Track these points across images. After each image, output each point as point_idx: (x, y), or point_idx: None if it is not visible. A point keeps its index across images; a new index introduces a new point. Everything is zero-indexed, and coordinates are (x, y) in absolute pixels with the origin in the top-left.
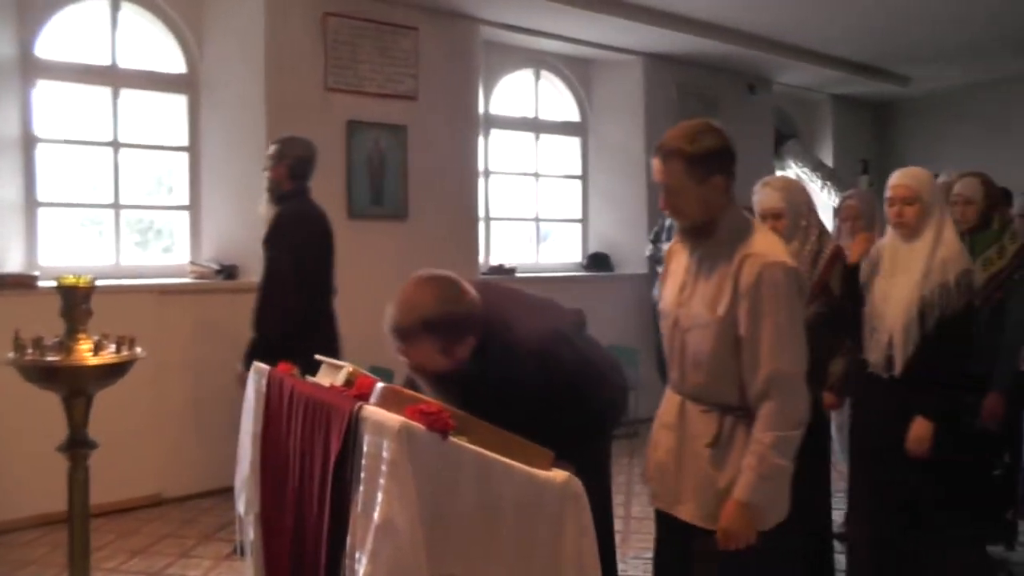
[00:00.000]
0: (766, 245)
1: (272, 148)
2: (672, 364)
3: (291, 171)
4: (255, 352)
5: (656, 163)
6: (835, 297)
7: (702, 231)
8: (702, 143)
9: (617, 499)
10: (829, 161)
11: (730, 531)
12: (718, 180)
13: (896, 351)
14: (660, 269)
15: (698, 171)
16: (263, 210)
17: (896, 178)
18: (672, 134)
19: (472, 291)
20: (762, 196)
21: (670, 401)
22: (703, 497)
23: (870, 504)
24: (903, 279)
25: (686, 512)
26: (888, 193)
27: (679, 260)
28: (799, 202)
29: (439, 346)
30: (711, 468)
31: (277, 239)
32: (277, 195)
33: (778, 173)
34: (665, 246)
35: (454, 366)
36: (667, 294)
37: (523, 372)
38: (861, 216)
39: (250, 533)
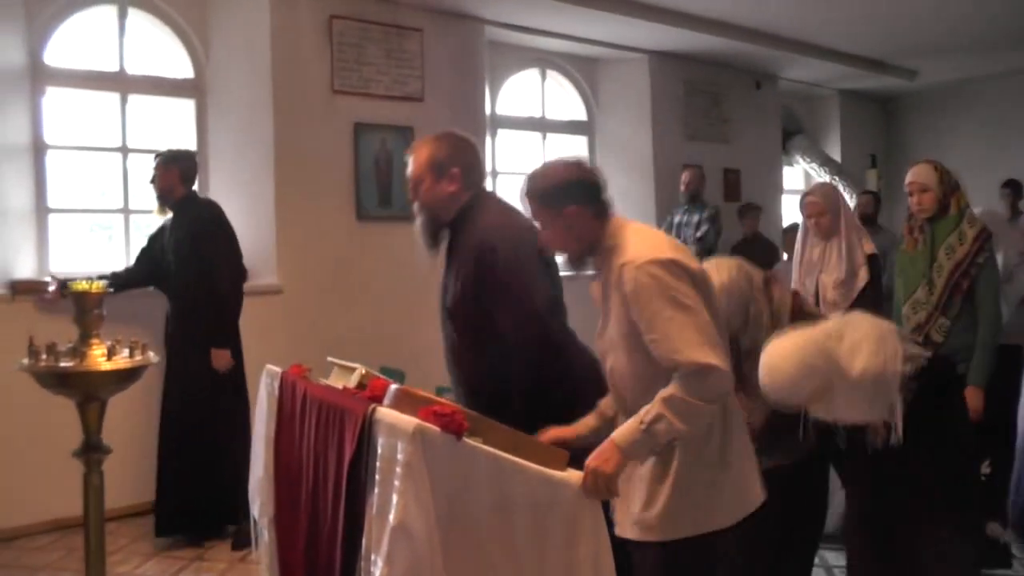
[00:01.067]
0: (635, 248)
1: (157, 160)
2: (612, 392)
3: (182, 176)
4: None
5: (524, 207)
6: (811, 312)
7: (587, 259)
8: (546, 180)
9: None
10: (837, 156)
11: (591, 468)
12: (573, 209)
13: None
14: None
15: (551, 205)
16: (157, 214)
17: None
18: (527, 178)
19: (482, 165)
20: None
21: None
22: (636, 508)
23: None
24: None
25: (620, 528)
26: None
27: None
28: (742, 293)
29: (433, 161)
30: (654, 483)
31: (219, 234)
32: (171, 201)
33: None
34: None
35: (439, 195)
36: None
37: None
38: (826, 212)
39: (265, 536)
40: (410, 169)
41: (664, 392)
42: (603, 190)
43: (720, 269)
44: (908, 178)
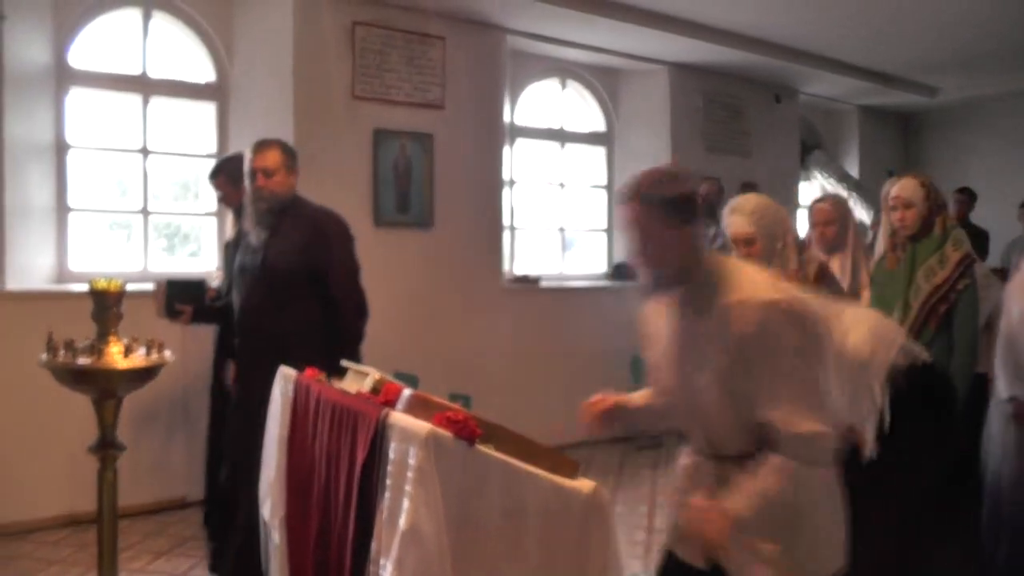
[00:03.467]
0: (747, 286)
1: (217, 178)
2: (686, 425)
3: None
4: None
5: (627, 209)
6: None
7: (675, 282)
8: (678, 188)
9: (640, 510)
10: (855, 172)
11: (699, 531)
12: (694, 227)
13: None
14: None
15: (676, 217)
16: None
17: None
18: (646, 178)
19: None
20: (732, 221)
21: (689, 465)
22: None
23: None
24: None
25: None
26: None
27: (658, 321)
28: (772, 224)
29: (287, 159)
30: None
31: None
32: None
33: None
34: None
35: (289, 185)
36: (656, 359)
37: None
38: (834, 222)
39: (275, 537)
40: (263, 161)
41: (778, 461)
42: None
43: (760, 196)
44: (893, 192)
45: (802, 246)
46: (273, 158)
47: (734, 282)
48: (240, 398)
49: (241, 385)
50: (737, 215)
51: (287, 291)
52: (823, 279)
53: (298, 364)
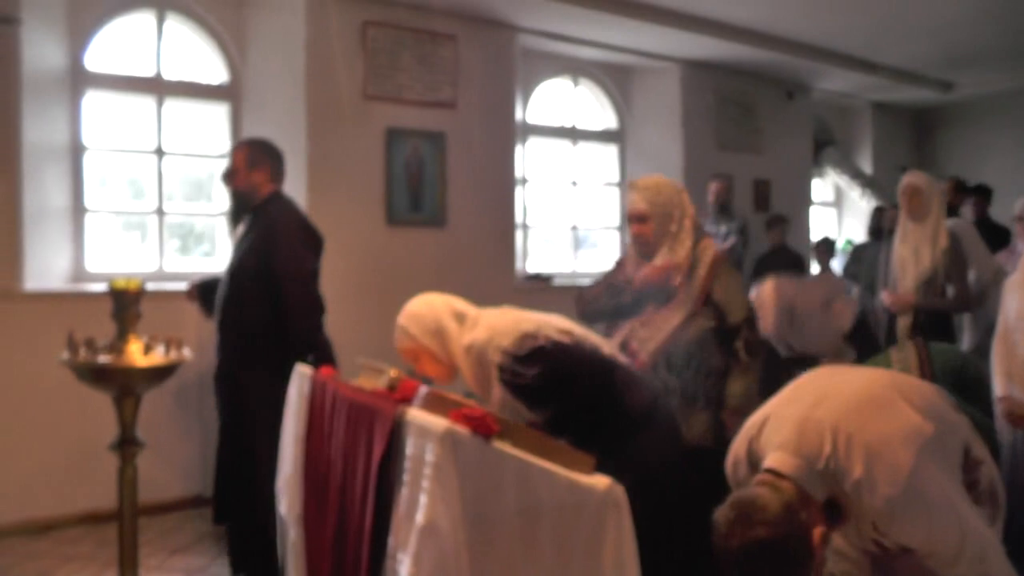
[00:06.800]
0: None
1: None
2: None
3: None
4: None
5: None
6: (721, 309)
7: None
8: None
9: None
10: (868, 169)
11: None
12: None
13: None
14: None
15: None
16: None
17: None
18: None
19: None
20: (629, 198)
21: None
22: None
23: None
24: None
25: None
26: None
27: None
28: (668, 204)
29: (249, 157)
30: None
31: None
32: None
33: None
34: None
35: (251, 182)
36: None
37: None
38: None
39: (292, 533)
40: (230, 161)
41: None
42: None
43: (660, 176)
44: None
45: (700, 232)
46: (235, 158)
47: None
48: (220, 393)
49: (220, 379)
50: (633, 191)
51: (246, 290)
52: (719, 265)
53: (257, 361)
